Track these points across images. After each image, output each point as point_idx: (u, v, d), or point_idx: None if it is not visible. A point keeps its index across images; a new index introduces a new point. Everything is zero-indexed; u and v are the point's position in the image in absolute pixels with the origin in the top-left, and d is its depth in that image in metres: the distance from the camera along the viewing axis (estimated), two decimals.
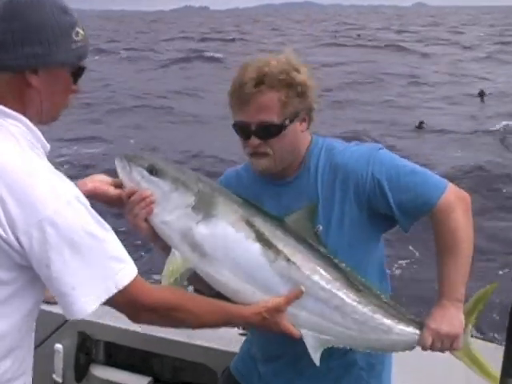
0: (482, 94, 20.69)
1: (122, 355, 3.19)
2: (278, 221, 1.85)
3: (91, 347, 3.16)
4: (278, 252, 1.79)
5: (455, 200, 1.87)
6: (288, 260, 1.79)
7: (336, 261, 1.85)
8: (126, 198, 1.80)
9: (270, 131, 1.84)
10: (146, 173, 1.81)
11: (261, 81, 1.81)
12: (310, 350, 1.83)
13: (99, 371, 3.16)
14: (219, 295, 1.87)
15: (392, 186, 1.86)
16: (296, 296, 1.80)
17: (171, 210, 1.78)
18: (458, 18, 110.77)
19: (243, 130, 1.87)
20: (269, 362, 2.08)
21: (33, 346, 1.70)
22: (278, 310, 1.79)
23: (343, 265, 1.85)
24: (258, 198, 1.92)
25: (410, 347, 1.92)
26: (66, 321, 2.79)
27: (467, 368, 1.96)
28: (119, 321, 2.96)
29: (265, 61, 1.86)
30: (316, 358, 1.84)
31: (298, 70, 1.85)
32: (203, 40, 50.41)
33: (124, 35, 61.17)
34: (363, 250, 1.96)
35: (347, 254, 1.89)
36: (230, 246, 1.78)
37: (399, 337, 1.88)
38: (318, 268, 1.82)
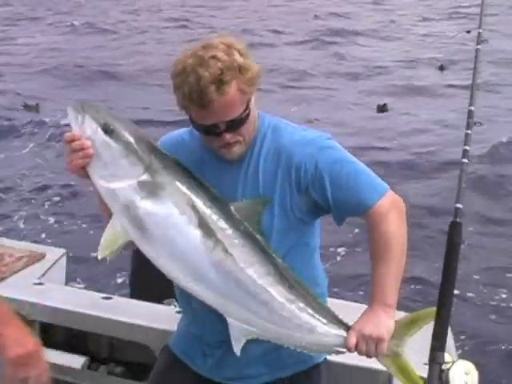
0: None
1: (57, 335, 3.19)
2: (224, 207, 1.81)
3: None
4: (217, 241, 1.77)
5: (391, 205, 1.88)
6: (226, 251, 1.77)
7: (274, 255, 1.84)
8: (67, 141, 1.73)
9: (240, 123, 1.82)
10: (99, 130, 1.73)
11: (217, 79, 1.74)
12: (233, 339, 1.85)
13: None
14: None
15: (333, 181, 1.87)
16: None
17: (117, 178, 1.73)
18: None
19: (212, 131, 1.83)
20: (209, 338, 2.09)
21: None
22: None
23: (280, 260, 1.85)
24: (198, 168, 1.88)
25: (336, 350, 1.92)
26: None
27: None
28: (54, 301, 3.07)
29: (211, 54, 1.76)
30: (238, 347, 1.85)
31: (240, 52, 1.81)
32: None
33: None
34: (299, 236, 1.97)
35: (284, 239, 1.92)
36: (171, 228, 1.75)
37: (324, 337, 1.89)
38: (254, 262, 1.80)
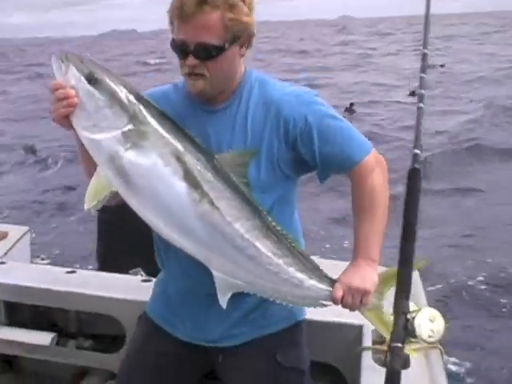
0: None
1: (23, 314, 3.12)
2: (210, 159, 1.77)
3: None
4: (203, 194, 1.72)
5: (376, 162, 1.91)
6: (212, 204, 1.73)
7: (260, 208, 1.81)
8: (51, 90, 1.69)
9: (208, 52, 1.78)
10: (83, 79, 1.68)
11: (204, 1, 1.73)
12: (219, 293, 1.83)
13: (0, 332, 3.07)
14: None
15: (321, 135, 1.87)
16: None
17: (101, 128, 1.69)
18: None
19: (181, 49, 1.80)
20: (183, 297, 2.08)
21: None
22: None
23: (265, 213, 1.82)
24: (183, 121, 1.82)
25: (321, 303, 1.92)
26: None
27: None
28: (18, 279, 3.01)
29: None
30: (223, 300, 1.83)
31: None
32: None
33: None
34: (283, 191, 1.96)
35: (269, 193, 1.91)
36: (156, 179, 1.70)
37: (310, 292, 1.89)
38: (241, 215, 1.77)
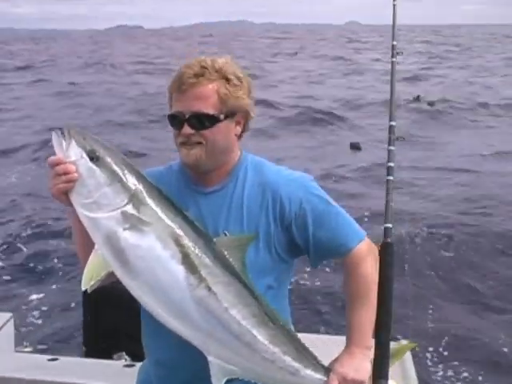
0: None
1: None
2: (209, 243, 1.77)
3: None
4: (200, 279, 1.72)
5: (369, 250, 1.93)
6: (209, 289, 1.72)
7: (256, 293, 1.80)
8: (51, 165, 1.70)
9: (204, 121, 1.83)
10: (85, 155, 1.69)
11: (201, 73, 1.82)
12: (213, 379, 1.80)
13: None
14: None
15: (316, 220, 1.88)
16: None
17: (100, 207, 1.68)
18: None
19: (177, 119, 1.84)
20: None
21: None
22: None
23: (261, 298, 1.82)
24: (178, 201, 1.83)
25: None
26: None
27: None
28: (1, 369, 2.95)
29: (208, 58, 1.88)
30: None
31: (237, 71, 1.88)
32: None
33: None
34: (277, 274, 1.97)
35: (264, 276, 1.91)
36: (154, 262, 1.69)
37: (305, 380, 1.88)
38: (238, 302, 1.76)
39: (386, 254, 1.87)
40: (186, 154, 1.86)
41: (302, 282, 7.25)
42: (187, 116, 1.82)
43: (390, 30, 2.37)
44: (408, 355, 2.74)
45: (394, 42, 2.38)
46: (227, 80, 1.83)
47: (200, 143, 1.84)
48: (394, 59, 2.28)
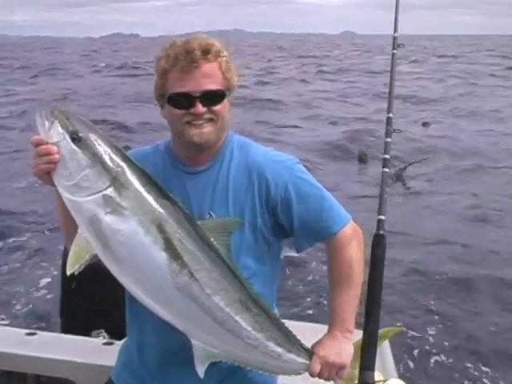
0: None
1: None
2: (192, 227, 1.73)
3: None
4: (183, 265, 1.68)
5: (354, 233, 1.92)
6: (191, 275, 1.70)
7: (240, 278, 1.78)
8: (33, 144, 1.66)
9: (216, 97, 1.83)
10: (67, 137, 1.65)
11: (208, 50, 1.81)
12: (197, 362, 1.80)
13: None
14: None
15: (300, 202, 1.88)
16: None
17: (82, 189, 1.64)
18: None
19: (186, 99, 1.81)
20: (157, 366, 2.01)
21: None
22: None
23: (246, 282, 1.80)
24: (164, 182, 1.79)
25: (297, 373, 1.94)
26: None
27: None
28: None
29: (205, 37, 1.87)
30: (201, 370, 1.80)
31: (225, 49, 1.89)
32: None
33: None
34: (264, 259, 1.96)
35: (251, 260, 1.90)
36: (136, 247, 1.66)
37: (288, 364, 1.89)
38: (221, 288, 1.74)
39: (379, 245, 1.83)
40: (199, 134, 1.83)
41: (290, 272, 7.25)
42: (199, 94, 1.80)
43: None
44: (386, 344, 2.71)
45: (396, 34, 2.37)
46: (224, 57, 1.84)
47: (211, 120, 1.83)
48: (394, 51, 2.25)
